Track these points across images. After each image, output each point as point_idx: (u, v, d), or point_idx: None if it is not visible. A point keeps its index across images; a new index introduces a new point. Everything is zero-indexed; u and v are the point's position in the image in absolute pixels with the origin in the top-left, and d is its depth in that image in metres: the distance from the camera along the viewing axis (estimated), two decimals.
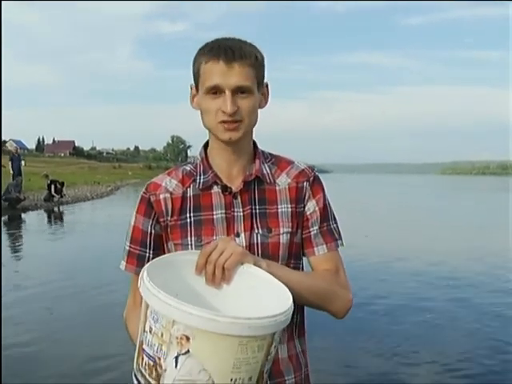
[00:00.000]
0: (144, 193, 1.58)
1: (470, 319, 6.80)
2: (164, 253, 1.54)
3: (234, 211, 1.52)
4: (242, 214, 1.52)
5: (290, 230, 1.54)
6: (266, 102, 1.57)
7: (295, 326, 1.58)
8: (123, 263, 1.58)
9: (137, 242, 1.56)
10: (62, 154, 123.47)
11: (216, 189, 1.53)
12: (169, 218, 1.54)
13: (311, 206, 1.57)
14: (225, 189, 1.53)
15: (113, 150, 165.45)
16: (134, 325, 1.45)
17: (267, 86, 1.56)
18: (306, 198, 1.57)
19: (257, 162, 1.56)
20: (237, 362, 1.12)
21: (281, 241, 1.53)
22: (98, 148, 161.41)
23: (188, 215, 1.53)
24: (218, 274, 1.34)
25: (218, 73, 1.42)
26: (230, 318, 1.10)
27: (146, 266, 1.28)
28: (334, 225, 1.60)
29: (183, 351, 1.12)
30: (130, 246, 1.57)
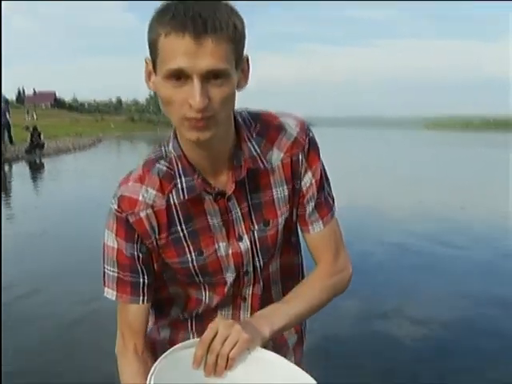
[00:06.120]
0: (118, 212, 1.29)
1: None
2: (159, 273, 1.37)
3: (231, 214, 1.31)
4: (240, 213, 1.32)
5: (287, 214, 1.37)
6: (246, 81, 1.22)
7: None
8: (112, 292, 1.35)
9: (125, 268, 1.32)
10: (44, 106, 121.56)
11: (206, 196, 1.29)
12: (157, 237, 1.31)
13: (307, 180, 1.36)
14: (217, 195, 1.29)
15: (94, 101, 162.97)
16: (124, 372, 1.37)
17: (248, 59, 1.21)
18: (303, 171, 1.36)
19: (244, 147, 1.29)
20: None
21: (279, 229, 1.37)
22: (79, 99, 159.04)
23: (179, 228, 1.30)
24: (222, 364, 1.15)
25: (182, 52, 1.06)
26: None
27: (152, 373, 1.09)
28: (328, 189, 1.42)
29: None
30: (118, 273, 1.33)
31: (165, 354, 1.14)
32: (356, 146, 41.21)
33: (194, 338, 1.47)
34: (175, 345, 1.50)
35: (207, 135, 1.15)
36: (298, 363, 1.60)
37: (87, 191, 13.91)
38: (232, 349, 1.14)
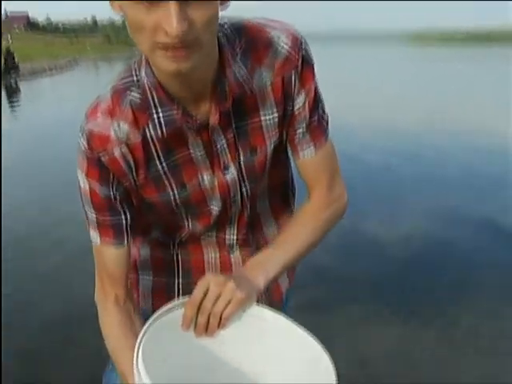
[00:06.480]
0: (88, 150, 1.12)
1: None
2: (137, 207, 1.24)
3: (216, 145, 1.16)
4: (225, 144, 1.17)
5: (276, 138, 1.22)
6: None
7: None
8: (96, 236, 1.21)
9: (103, 209, 1.18)
10: (16, 29, 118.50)
11: (188, 130, 1.13)
12: (134, 175, 1.16)
13: (300, 101, 1.19)
14: (200, 128, 1.13)
15: (69, 21, 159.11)
16: (105, 324, 1.26)
17: None
18: (295, 92, 1.18)
19: (228, 70, 1.09)
20: None
21: (268, 155, 1.23)
22: (52, 19, 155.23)
23: (159, 166, 1.16)
24: (215, 323, 1.05)
25: None
26: None
27: (140, 341, 0.98)
28: (322, 110, 1.25)
29: None
30: (96, 215, 1.19)
31: (150, 320, 1.02)
32: (339, 63, 40.72)
33: (176, 256, 1.41)
34: (157, 263, 1.44)
35: (188, 65, 0.94)
36: (290, 282, 1.55)
37: (65, 115, 13.65)
38: (225, 308, 1.04)
